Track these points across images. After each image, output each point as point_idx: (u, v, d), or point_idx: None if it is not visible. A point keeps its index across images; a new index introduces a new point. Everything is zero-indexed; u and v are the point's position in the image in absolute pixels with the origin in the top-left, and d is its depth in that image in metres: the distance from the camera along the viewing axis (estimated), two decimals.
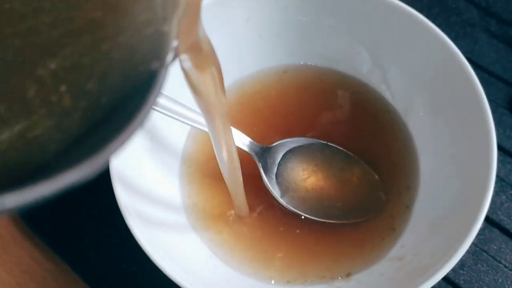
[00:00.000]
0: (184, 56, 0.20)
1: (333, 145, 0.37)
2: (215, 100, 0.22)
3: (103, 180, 0.34)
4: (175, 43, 0.16)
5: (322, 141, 0.38)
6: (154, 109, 0.32)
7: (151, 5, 0.16)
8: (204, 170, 0.38)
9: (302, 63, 0.42)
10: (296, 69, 0.42)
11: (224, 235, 0.35)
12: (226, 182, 0.31)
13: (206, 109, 0.23)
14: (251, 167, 0.36)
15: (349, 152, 0.37)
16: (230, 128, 0.26)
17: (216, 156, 0.28)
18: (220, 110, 0.23)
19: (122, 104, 0.15)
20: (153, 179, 0.35)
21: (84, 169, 0.13)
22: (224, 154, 0.27)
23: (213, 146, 0.27)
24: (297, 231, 0.35)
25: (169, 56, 0.16)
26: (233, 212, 0.36)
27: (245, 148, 0.35)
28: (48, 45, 0.14)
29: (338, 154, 0.37)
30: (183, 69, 0.21)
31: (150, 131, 0.35)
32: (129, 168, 0.32)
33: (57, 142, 0.15)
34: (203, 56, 0.20)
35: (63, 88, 0.14)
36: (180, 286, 0.27)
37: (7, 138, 0.14)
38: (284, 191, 0.36)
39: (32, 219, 0.38)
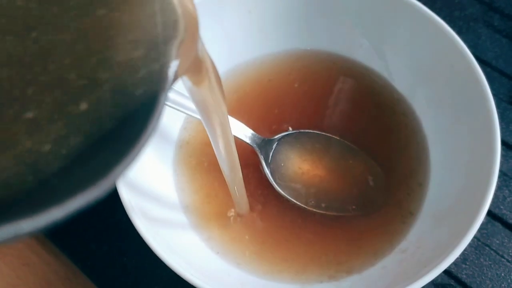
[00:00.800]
0: (184, 77, 0.20)
1: (337, 137, 0.37)
2: (215, 108, 0.23)
3: None
4: (175, 67, 0.17)
5: (325, 133, 0.37)
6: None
7: (151, 33, 0.17)
8: (201, 159, 0.37)
9: (303, 49, 0.41)
10: (298, 55, 0.41)
11: (223, 230, 0.35)
12: (226, 180, 0.30)
13: (206, 116, 0.24)
14: (251, 159, 0.36)
15: (352, 145, 0.37)
16: (230, 130, 0.25)
17: (216, 155, 0.27)
18: (221, 116, 0.24)
19: (126, 126, 0.16)
20: (151, 171, 0.35)
21: (94, 191, 0.14)
22: (224, 156, 0.27)
23: (213, 147, 0.27)
24: (299, 225, 0.35)
25: (170, 80, 0.17)
26: (233, 210, 0.35)
27: (247, 140, 0.35)
28: (55, 69, 0.15)
29: (341, 146, 0.37)
30: (185, 87, 0.21)
31: None
32: None
33: (59, 164, 0.15)
34: (203, 74, 0.21)
35: (66, 110, 0.15)
36: (182, 277, 0.27)
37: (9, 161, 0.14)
38: (285, 183, 0.35)
39: None
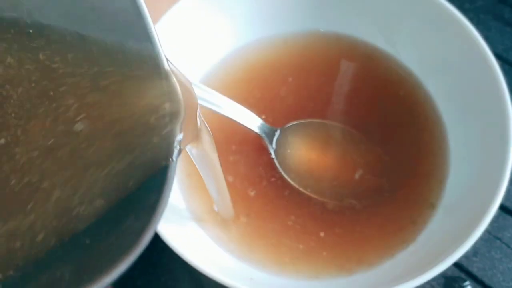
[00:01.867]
0: (188, 147, 0.23)
1: (349, 128, 0.37)
2: (211, 157, 0.26)
3: None
4: (179, 140, 0.19)
5: (334, 123, 0.37)
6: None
7: (158, 115, 0.19)
8: None
9: (308, 30, 0.41)
10: (303, 36, 0.41)
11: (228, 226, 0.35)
12: (209, 193, 0.30)
13: (203, 166, 0.27)
14: (259, 149, 0.35)
15: (361, 135, 0.36)
16: (220, 166, 0.27)
17: (201, 174, 0.28)
18: (214, 160, 0.26)
19: (142, 198, 0.18)
20: None
21: (128, 258, 0.15)
22: (213, 192, 0.30)
23: (202, 177, 0.28)
24: (310, 216, 0.34)
25: (176, 152, 0.19)
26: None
27: (256, 130, 0.35)
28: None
29: (352, 137, 0.36)
30: (188, 151, 0.24)
31: None
32: None
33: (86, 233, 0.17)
34: (203, 141, 0.24)
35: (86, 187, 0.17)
36: (190, 264, 0.27)
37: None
38: (293, 172, 0.35)
39: None
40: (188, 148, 0.24)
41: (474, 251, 0.35)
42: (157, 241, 0.27)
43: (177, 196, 0.35)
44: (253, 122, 0.35)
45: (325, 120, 0.37)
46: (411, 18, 0.36)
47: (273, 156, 0.35)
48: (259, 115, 0.35)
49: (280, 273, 0.32)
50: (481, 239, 0.35)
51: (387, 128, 0.37)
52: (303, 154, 0.36)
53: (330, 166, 0.36)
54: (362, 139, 0.36)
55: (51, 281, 0.16)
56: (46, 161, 0.17)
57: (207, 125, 0.24)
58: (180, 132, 0.19)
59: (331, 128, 0.37)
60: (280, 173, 0.35)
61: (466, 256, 0.34)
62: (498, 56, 0.42)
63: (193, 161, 0.26)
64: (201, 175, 0.28)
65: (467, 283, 0.34)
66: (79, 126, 0.18)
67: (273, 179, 0.35)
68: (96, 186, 0.18)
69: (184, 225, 0.33)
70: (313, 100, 0.38)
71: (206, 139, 0.24)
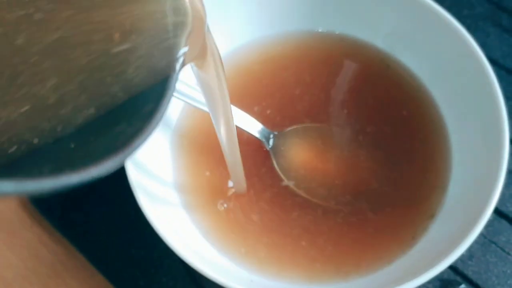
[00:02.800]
0: (192, 63, 0.22)
1: (348, 131, 0.37)
2: (218, 89, 0.24)
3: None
4: (184, 53, 0.19)
5: (333, 127, 0.37)
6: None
7: (163, 26, 0.18)
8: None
9: (305, 31, 0.41)
10: (302, 36, 0.41)
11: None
12: (225, 158, 0.31)
13: (210, 98, 0.26)
14: (260, 153, 0.36)
15: (362, 140, 0.37)
16: (231, 108, 0.27)
17: (217, 134, 0.28)
18: (223, 96, 0.25)
19: (141, 103, 0.18)
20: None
21: (106, 164, 0.15)
22: (224, 135, 0.29)
23: (214, 125, 0.28)
24: (308, 221, 0.35)
25: (179, 64, 0.18)
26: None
27: (256, 134, 0.35)
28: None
29: (352, 141, 0.37)
30: (193, 72, 0.23)
31: None
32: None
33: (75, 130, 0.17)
34: (208, 60, 0.23)
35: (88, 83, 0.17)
36: (191, 266, 0.27)
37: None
38: (293, 176, 0.36)
39: (42, 204, 0.39)
40: (194, 71, 0.23)
41: (470, 254, 0.35)
42: (159, 243, 0.28)
43: (177, 203, 0.35)
44: (253, 127, 0.35)
45: (324, 123, 0.38)
46: (410, 23, 0.37)
47: (273, 162, 0.36)
48: (256, 116, 0.36)
49: (278, 277, 0.33)
50: (477, 242, 0.35)
51: (388, 133, 0.37)
52: (302, 158, 0.36)
53: (331, 171, 0.36)
54: (363, 143, 0.37)
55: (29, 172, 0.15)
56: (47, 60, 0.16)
57: (216, 47, 0.23)
58: (186, 45, 0.19)
59: (331, 132, 0.38)
60: (279, 176, 0.36)
61: (461, 259, 0.35)
62: (495, 62, 0.43)
63: (201, 92, 0.25)
64: (211, 117, 0.27)
65: (462, 286, 0.34)
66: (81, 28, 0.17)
67: (269, 181, 0.36)
68: (89, 91, 0.17)
69: (185, 231, 0.34)
70: (313, 102, 0.39)
71: (213, 62, 0.23)
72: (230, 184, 0.35)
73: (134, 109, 0.18)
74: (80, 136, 0.16)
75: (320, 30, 0.41)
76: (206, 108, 0.32)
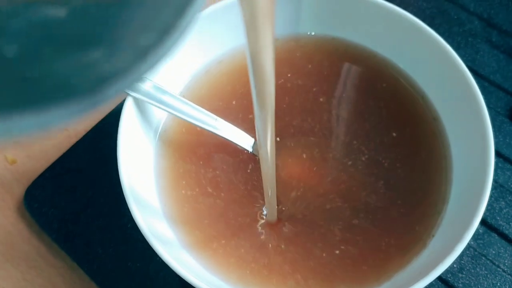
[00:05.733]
0: None
1: (340, 142, 0.37)
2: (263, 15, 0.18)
3: (110, 179, 0.35)
4: None
5: (329, 139, 0.37)
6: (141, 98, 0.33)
7: None
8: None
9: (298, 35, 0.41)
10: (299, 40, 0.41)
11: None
12: (262, 174, 0.29)
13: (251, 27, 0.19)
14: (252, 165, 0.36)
15: (359, 148, 0.37)
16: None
17: (259, 147, 0.26)
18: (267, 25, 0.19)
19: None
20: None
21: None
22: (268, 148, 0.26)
23: (257, 135, 0.25)
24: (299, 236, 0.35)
25: None
26: None
27: (249, 149, 0.36)
28: None
29: (350, 154, 0.37)
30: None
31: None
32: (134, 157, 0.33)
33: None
34: None
35: None
36: (188, 282, 0.28)
37: None
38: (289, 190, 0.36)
39: (40, 216, 0.39)
40: None
41: (460, 267, 0.36)
42: (155, 256, 0.28)
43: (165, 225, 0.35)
44: (245, 141, 0.36)
45: (318, 134, 0.38)
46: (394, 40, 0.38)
47: None
48: (244, 125, 0.36)
49: None
50: (467, 255, 0.36)
51: (389, 142, 0.37)
52: (294, 169, 0.37)
53: (327, 183, 0.36)
54: (363, 151, 0.37)
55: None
56: None
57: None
58: None
59: (326, 143, 0.37)
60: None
61: (452, 272, 0.36)
62: (485, 78, 0.43)
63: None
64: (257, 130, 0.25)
65: None
66: None
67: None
68: None
69: (180, 245, 0.34)
70: (307, 110, 0.38)
71: None
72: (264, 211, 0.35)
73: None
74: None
75: (313, 34, 0.41)
76: (193, 120, 0.33)
